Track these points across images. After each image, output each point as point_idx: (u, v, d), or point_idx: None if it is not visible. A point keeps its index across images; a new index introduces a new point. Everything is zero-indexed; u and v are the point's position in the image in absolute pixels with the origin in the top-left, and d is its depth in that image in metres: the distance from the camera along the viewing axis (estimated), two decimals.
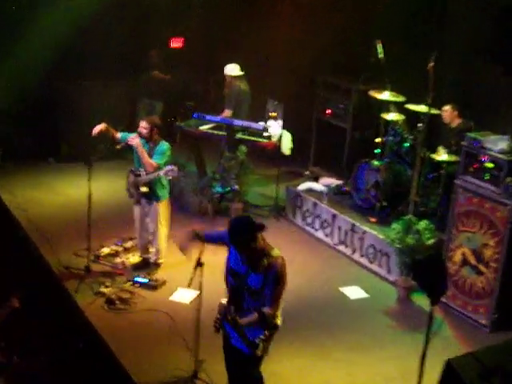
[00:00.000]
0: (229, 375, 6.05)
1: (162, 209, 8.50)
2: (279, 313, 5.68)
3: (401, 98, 9.83)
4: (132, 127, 9.56)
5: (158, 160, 8.25)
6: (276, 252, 5.56)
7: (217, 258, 7.83)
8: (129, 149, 8.51)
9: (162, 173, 8.17)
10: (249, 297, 5.55)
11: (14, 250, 8.95)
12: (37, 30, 11.45)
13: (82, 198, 8.47)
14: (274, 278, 5.44)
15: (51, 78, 12.06)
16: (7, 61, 11.65)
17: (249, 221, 5.56)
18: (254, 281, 5.47)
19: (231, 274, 5.69)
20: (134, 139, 8.29)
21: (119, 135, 8.49)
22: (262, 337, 5.54)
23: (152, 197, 8.42)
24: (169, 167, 8.13)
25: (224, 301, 5.64)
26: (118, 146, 8.44)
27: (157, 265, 8.71)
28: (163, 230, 8.58)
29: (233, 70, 10.90)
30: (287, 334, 7.50)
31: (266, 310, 5.45)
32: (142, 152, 8.24)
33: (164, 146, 8.34)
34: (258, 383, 5.91)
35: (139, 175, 8.33)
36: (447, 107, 9.56)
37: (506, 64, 9.37)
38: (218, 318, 5.59)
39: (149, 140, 8.30)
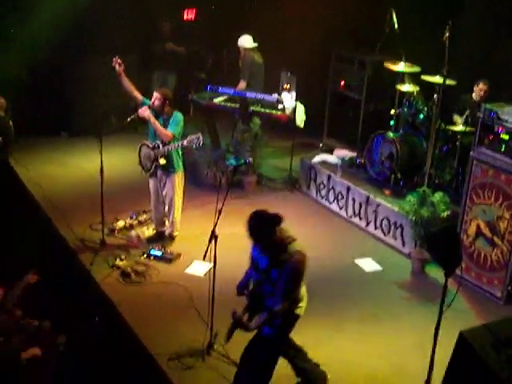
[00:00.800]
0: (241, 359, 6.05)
1: (178, 181, 8.50)
2: (300, 301, 5.68)
3: (416, 69, 9.74)
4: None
5: (173, 130, 8.21)
6: (295, 246, 5.48)
7: (232, 230, 7.87)
8: (142, 123, 8.49)
9: (185, 142, 8.13)
10: (269, 289, 5.54)
11: (30, 224, 9.01)
12: (48, 2, 11.40)
13: (95, 172, 8.47)
14: (288, 273, 5.40)
15: (63, 52, 12.01)
16: (19, 35, 11.64)
17: (266, 215, 5.53)
18: (274, 274, 5.47)
19: (254, 268, 5.73)
20: (145, 111, 8.23)
21: (142, 98, 8.44)
22: (280, 323, 5.63)
23: (169, 168, 8.41)
24: (191, 136, 8.09)
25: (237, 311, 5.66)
26: (128, 119, 8.40)
27: (171, 237, 8.74)
28: (179, 203, 8.60)
29: (246, 41, 10.86)
30: None
31: (276, 308, 5.43)
32: (155, 122, 8.20)
33: (178, 116, 8.30)
34: (264, 371, 5.84)
35: (157, 147, 8.30)
36: (485, 86, 9.38)
37: None
38: (230, 328, 5.69)
39: (161, 112, 8.26)
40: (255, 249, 5.70)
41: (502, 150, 7.65)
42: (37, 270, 6.26)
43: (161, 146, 8.27)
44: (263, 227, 5.44)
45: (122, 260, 8.17)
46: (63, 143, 12.02)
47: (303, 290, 5.72)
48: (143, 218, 9.22)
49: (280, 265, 5.41)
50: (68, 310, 6.59)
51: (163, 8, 12.86)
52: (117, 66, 8.27)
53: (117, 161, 10.35)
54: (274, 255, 5.45)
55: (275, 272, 5.44)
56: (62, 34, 11.46)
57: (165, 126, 8.24)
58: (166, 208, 8.63)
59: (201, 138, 8.06)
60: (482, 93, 9.42)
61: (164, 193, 8.55)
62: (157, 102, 8.22)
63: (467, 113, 9.28)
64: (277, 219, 5.46)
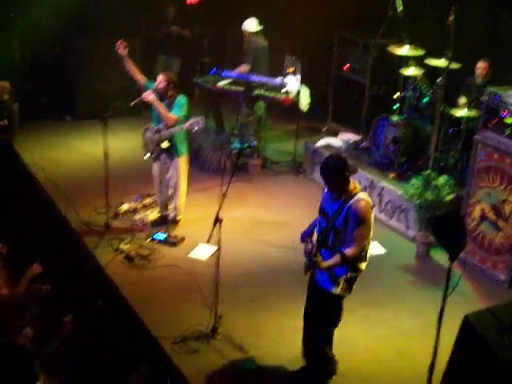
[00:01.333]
0: (306, 319, 6.24)
1: (183, 164, 8.49)
2: (366, 259, 5.81)
3: (420, 52, 9.68)
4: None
5: (177, 112, 8.18)
6: (361, 195, 5.64)
7: (237, 214, 7.86)
8: (144, 107, 8.48)
9: (186, 125, 8.11)
10: (334, 237, 5.68)
11: (33, 208, 9.01)
12: None
13: (100, 156, 8.47)
14: (355, 219, 5.55)
15: (67, 36, 12.00)
16: (23, 19, 11.60)
17: (342, 160, 5.71)
18: (339, 221, 5.61)
19: (322, 214, 5.83)
20: (149, 95, 8.20)
21: (143, 80, 8.40)
22: (344, 276, 5.75)
23: (173, 152, 8.39)
24: (193, 119, 8.07)
25: (313, 239, 5.82)
26: (132, 103, 8.38)
27: (175, 221, 8.74)
28: (183, 186, 8.59)
29: (250, 25, 10.80)
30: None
31: (347, 250, 5.57)
32: (159, 105, 8.16)
33: (182, 99, 8.27)
34: (331, 326, 6.06)
35: (160, 131, 8.29)
36: (484, 64, 9.32)
37: None
38: (305, 262, 5.83)
39: (165, 96, 8.24)
40: (326, 195, 5.83)
41: (507, 133, 7.63)
42: (39, 260, 6.25)
43: (163, 129, 8.26)
44: (338, 173, 5.59)
45: (126, 243, 8.19)
46: (67, 127, 12.01)
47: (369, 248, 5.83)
48: (147, 201, 9.22)
49: (346, 210, 5.57)
50: (71, 294, 6.61)
51: None
52: (121, 48, 8.23)
53: (121, 144, 10.35)
54: (343, 202, 5.60)
55: (341, 218, 5.60)
56: (66, 17, 11.44)
57: (169, 109, 8.21)
58: (171, 191, 8.63)
59: (202, 120, 8.04)
60: (483, 71, 9.32)
61: (168, 176, 8.54)
62: (161, 85, 8.19)
63: (471, 97, 9.23)
64: (352, 167, 5.81)
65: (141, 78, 8.39)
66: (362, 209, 5.56)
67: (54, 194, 9.15)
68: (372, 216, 5.67)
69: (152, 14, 12.63)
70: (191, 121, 8.06)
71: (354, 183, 5.70)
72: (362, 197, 5.62)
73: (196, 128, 8.07)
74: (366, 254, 5.78)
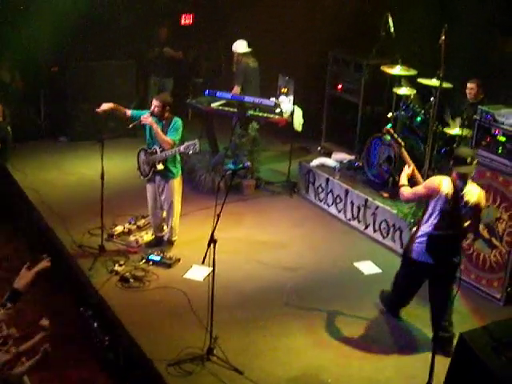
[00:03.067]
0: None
1: (177, 186, 8.50)
2: None
3: (412, 72, 9.75)
4: (143, 105, 9.56)
5: (173, 136, 8.24)
6: None
7: (231, 234, 7.86)
8: (140, 127, 8.51)
9: (181, 148, 8.14)
10: None
11: (28, 230, 9.01)
12: (47, 8, 11.42)
13: (95, 177, 8.48)
14: None
15: (62, 57, 12.05)
16: (19, 40, 11.65)
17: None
18: None
19: None
20: (147, 118, 8.27)
21: (130, 113, 8.48)
22: None
23: (167, 174, 8.42)
24: (190, 142, 8.10)
25: None
26: (131, 125, 8.44)
27: (170, 242, 8.73)
28: (177, 208, 8.60)
29: (240, 46, 10.87)
30: (302, 309, 7.56)
31: None
32: (157, 129, 8.23)
33: (177, 122, 8.33)
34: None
35: (155, 153, 8.32)
36: (473, 84, 9.39)
37: None
38: None
39: (161, 118, 8.30)
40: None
41: (499, 151, 7.66)
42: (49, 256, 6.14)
43: (159, 152, 8.29)
44: None
45: (120, 265, 8.15)
46: (61, 148, 12.00)
47: None
48: (142, 222, 9.21)
49: None
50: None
51: (160, 13, 12.89)
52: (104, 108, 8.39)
53: (115, 165, 10.34)
54: None
55: None
56: (61, 38, 11.50)
57: (164, 131, 8.27)
58: (165, 213, 8.64)
59: (197, 144, 8.07)
60: (472, 91, 9.42)
61: (162, 198, 8.55)
62: (157, 110, 8.26)
63: (464, 116, 9.28)
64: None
65: (127, 113, 8.51)
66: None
67: (48, 215, 9.16)
68: None
69: (146, 35, 12.66)
70: (186, 144, 8.09)
71: None
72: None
73: (191, 151, 8.10)
74: None
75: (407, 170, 6.99)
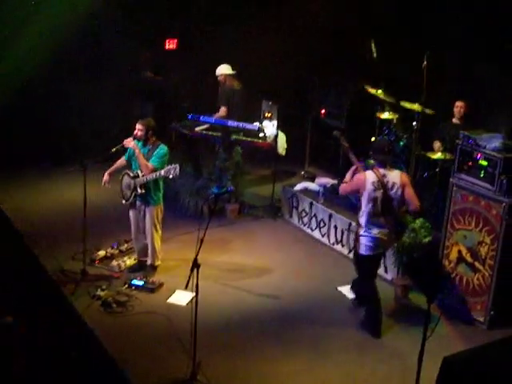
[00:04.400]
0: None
1: (157, 212, 8.50)
2: None
3: (395, 97, 9.83)
4: (126, 129, 9.55)
5: (155, 163, 8.24)
6: None
7: (215, 258, 7.83)
8: (124, 151, 8.51)
9: (162, 172, 8.13)
10: None
11: (11, 255, 8.93)
12: (25, 32, 11.43)
13: (78, 202, 8.44)
14: None
15: (44, 81, 12.02)
16: (2, 62, 11.63)
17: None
18: None
19: None
20: (130, 142, 8.30)
21: (124, 158, 8.61)
22: None
23: (148, 199, 8.41)
24: (170, 166, 8.09)
25: None
26: (113, 149, 8.44)
27: (153, 267, 8.69)
28: (157, 234, 8.58)
29: (224, 69, 10.95)
30: (285, 334, 7.53)
31: None
32: (139, 154, 8.24)
33: (163, 149, 8.34)
34: None
35: (137, 176, 8.32)
36: (461, 103, 9.48)
37: (501, 63, 9.44)
38: None
39: (146, 142, 8.31)
40: None
41: (481, 175, 7.72)
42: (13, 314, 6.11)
43: (140, 175, 8.28)
44: None
45: (103, 290, 8.10)
46: (46, 172, 11.93)
47: None
48: (124, 247, 9.18)
49: None
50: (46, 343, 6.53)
51: (145, 38, 12.93)
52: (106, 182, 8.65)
53: (99, 189, 10.29)
54: None
55: None
56: (43, 63, 11.47)
57: (148, 156, 8.28)
58: (147, 239, 8.61)
59: (177, 168, 8.07)
60: (461, 110, 9.49)
61: (143, 223, 8.54)
62: (140, 133, 8.28)
63: (447, 139, 9.35)
64: None
65: (121, 163, 8.67)
66: None
67: (32, 240, 9.10)
68: None
69: (128, 59, 12.68)
70: (167, 168, 8.09)
71: None
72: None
73: (171, 175, 8.09)
74: None
75: (352, 170, 7.81)
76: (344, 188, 7.76)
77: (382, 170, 7.39)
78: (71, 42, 11.77)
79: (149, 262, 8.71)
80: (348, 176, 7.79)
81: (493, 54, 9.81)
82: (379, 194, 7.31)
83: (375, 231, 7.39)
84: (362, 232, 7.47)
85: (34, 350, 6.23)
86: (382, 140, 8.74)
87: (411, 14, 10.81)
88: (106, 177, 8.64)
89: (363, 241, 7.46)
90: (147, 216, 8.47)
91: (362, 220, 7.45)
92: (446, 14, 10.52)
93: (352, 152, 7.85)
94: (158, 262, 8.70)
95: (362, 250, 7.48)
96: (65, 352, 6.38)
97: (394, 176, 7.40)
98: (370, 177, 7.38)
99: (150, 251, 8.65)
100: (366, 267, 7.67)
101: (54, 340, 6.65)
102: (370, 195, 7.33)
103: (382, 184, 7.31)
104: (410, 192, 7.40)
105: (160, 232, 8.63)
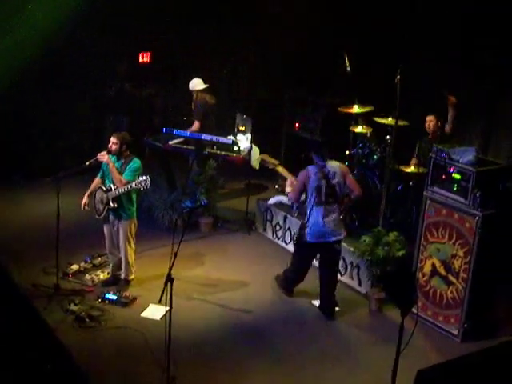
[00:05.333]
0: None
1: (131, 226, 8.46)
2: None
3: (368, 109, 9.88)
4: (99, 143, 9.51)
5: (128, 177, 8.21)
6: None
7: (189, 272, 7.78)
8: (98, 166, 8.47)
9: (133, 184, 8.10)
10: None
11: None
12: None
13: (51, 215, 8.38)
14: None
15: (17, 94, 11.92)
16: None
17: None
18: None
19: None
20: (104, 156, 8.26)
21: (99, 176, 8.54)
22: None
23: (121, 214, 8.37)
24: (141, 178, 8.06)
25: None
26: (87, 163, 8.38)
27: (127, 281, 8.64)
28: (131, 248, 8.54)
29: (197, 84, 10.97)
30: (260, 348, 7.50)
31: None
32: (113, 168, 8.21)
33: (136, 163, 8.32)
34: None
35: (109, 190, 8.27)
36: (431, 117, 9.54)
37: (475, 75, 9.53)
38: None
39: (119, 156, 8.27)
40: None
41: (455, 189, 7.77)
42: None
43: (113, 189, 8.24)
44: None
45: (76, 304, 8.03)
46: (17, 186, 11.81)
47: None
48: (98, 261, 9.11)
49: None
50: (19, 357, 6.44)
51: (118, 51, 12.88)
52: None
53: (71, 203, 10.21)
54: None
55: None
56: (16, 76, 11.38)
57: (122, 169, 8.25)
58: (121, 253, 8.56)
59: (148, 180, 8.05)
60: (431, 124, 9.55)
61: (117, 238, 8.49)
62: (114, 147, 8.25)
63: (422, 152, 9.40)
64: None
65: (97, 183, 8.57)
66: None
67: (2, 254, 8.99)
68: None
69: (103, 72, 12.62)
70: (137, 180, 8.07)
71: None
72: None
73: (142, 187, 8.07)
74: None
75: (288, 182, 8.70)
76: (292, 193, 8.41)
77: (321, 163, 8.05)
78: (46, 55, 11.68)
79: (122, 276, 8.65)
80: (287, 188, 8.66)
81: (466, 65, 9.93)
82: (323, 183, 7.96)
83: (319, 220, 8.01)
84: (306, 220, 8.12)
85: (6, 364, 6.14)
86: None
87: (386, 27, 10.87)
88: (85, 199, 8.57)
89: (307, 230, 8.09)
90: (120, 230, 8.42)
91: (307, 210, 8.09)
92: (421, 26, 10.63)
93: (282, 168, 9.27)
94: (131, 276, 8.64)
95: (307, 238, 8.11)
96: (39, 365, 6.29)
97: (334, 166, 8.08)
98: (312, 169, 8.08)
99: (123, 265, 8.59)
100: (305, 254, 8.41)
101: (27, 353, 6.56)
102: (314, 184, 7.98)
103: (323, 174, 7.97)
104: (351, 180, 8.15)
105: (134, 246, 8.58)
